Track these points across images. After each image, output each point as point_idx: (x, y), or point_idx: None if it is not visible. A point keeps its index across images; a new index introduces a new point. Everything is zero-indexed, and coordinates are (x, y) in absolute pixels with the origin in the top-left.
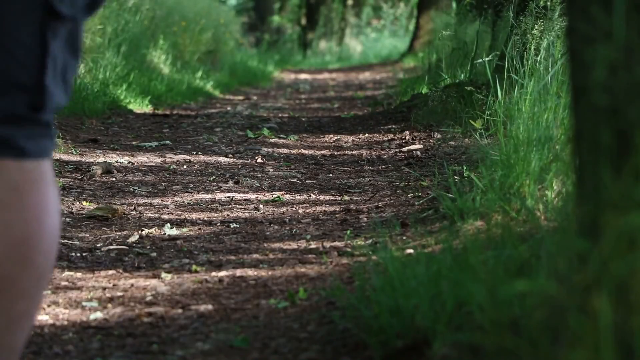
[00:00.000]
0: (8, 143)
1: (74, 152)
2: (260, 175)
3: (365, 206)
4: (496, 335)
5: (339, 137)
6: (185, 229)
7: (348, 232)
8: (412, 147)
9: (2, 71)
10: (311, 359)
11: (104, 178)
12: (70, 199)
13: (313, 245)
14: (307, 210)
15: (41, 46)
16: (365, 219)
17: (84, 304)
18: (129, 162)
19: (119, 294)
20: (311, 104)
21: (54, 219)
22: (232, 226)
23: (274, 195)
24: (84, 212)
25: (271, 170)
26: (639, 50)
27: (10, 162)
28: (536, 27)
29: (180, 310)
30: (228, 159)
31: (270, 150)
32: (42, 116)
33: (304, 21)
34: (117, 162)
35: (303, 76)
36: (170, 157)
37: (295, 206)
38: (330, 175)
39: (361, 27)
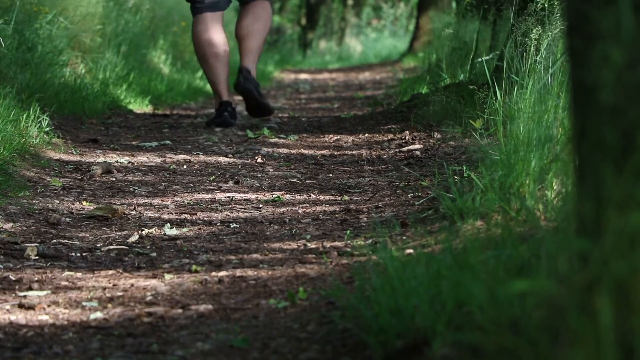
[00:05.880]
0: None
1: (74, 152)
2: (260, 175)
3: (365, 206)
4: (496, 335)
5: (339, 137)
6: (185, 229)
7: (348, 232)
8: (412, 147)
9: None
10: (311, 359)
11: (104, 178)
12: (70, 199)
13: (313, 245)
14: (307, 210)
15: None
16: (365, 219)
17: (84, 304)
18: (129, 162)
19: (119, 294)
20: (311, 104)
21: None
22: (232, 226)
23: (274, 195)
24: (84, 212)
25: (271, 170)
26: None
27: None
28: (534, 29)
29: (180, 310)
30: (228, 159)
31: (270, 150)
32: None
33: (304, 21)
34: (117, 162)
35: (303, 76)
36: (170, 157)
37: (295, 206)
38: (330, 175)
39: (361, 27)
